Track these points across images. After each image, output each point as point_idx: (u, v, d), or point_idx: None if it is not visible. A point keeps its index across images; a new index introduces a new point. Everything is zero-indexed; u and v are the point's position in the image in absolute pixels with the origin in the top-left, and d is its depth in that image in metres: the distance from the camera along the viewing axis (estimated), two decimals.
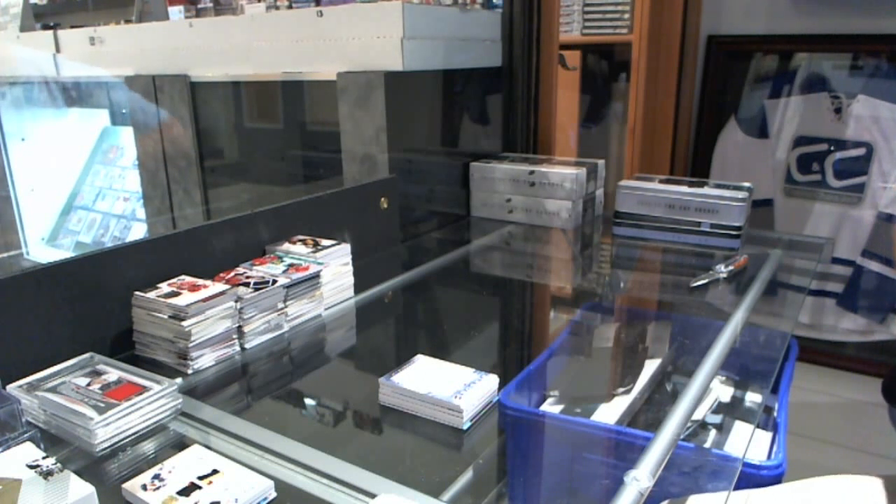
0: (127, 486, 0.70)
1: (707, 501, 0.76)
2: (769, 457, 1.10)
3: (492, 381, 0.92)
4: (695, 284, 1.32)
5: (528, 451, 0.88)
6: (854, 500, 0.52)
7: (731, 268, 1.36)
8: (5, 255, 2.89)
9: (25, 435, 0.79)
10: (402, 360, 0.97)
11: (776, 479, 0.92)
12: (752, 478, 0.93)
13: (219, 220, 1.22)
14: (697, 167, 2.20)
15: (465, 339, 1.21)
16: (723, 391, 1.13)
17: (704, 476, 0.77)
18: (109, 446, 0.82)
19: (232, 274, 1.15)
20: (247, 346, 1.08)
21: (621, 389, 1.02)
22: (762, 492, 0.81)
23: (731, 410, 1.09)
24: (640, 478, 0.61)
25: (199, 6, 2.19)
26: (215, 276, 1.13)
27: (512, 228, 1.80)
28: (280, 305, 1.12)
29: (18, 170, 2.85)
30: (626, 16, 2.54)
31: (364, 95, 1.59)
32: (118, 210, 2.86)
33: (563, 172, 1.73)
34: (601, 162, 1.89)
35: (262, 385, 1.03)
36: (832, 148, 1.94)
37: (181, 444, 0.83)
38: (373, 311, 1.32)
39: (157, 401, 0.87)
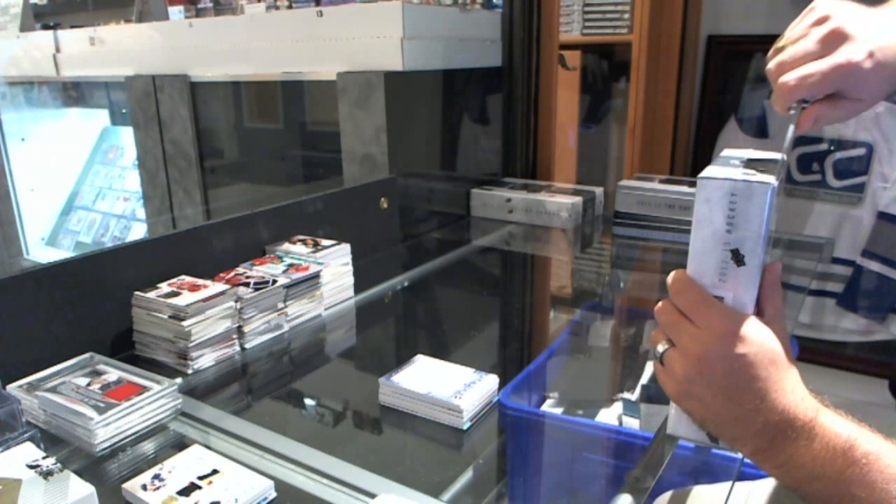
0: (127, 486, 0.70)
1: (710, 492, 0.76)
2: None
3: (492, 381, 0.92)
4: None
5: (528, 451, 0.88)
6: None
7: None
8: (5, 254, 2.89)
9: (25, 435, 0.79)
10: (402, 360, 0.97)
11: None
12: (752, 477, 0.93)
13: (219, 220, 1.22)
14: (697, 167, 2.20)
15: (465, 339, 1.21)
16: None
17: (704, 476, 0.77)
18: (109, 446, 0.82)
19: (232, 274, 1.15)
20: (247, 346, 1.08)
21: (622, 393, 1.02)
22: (765, 482, 0.81)
23: None
24: (640, 478, 0.61)
25: (199, 6, 2.19)
26: (215, 276, 1.13)
27: (512, 228, 1.80)
28: (280, 305, 1.12)
29: (18, 170, 2.85)
30: (626, 16, 2.54)
31: (364, 95, 1.59)
32: (118, 210, 2.86)
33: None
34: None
35: (262, 385, 1.03)
36: (832, 148, 1.94)
37: (181, 444, 0.83)
38: (373, 311, 1.32)
39: (157, 401, 0.87)
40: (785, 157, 0.59)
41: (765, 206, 0.51)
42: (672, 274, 0.57)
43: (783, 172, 0.57)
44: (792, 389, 0.53)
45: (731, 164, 0.56)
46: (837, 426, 0.51)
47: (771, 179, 0.51)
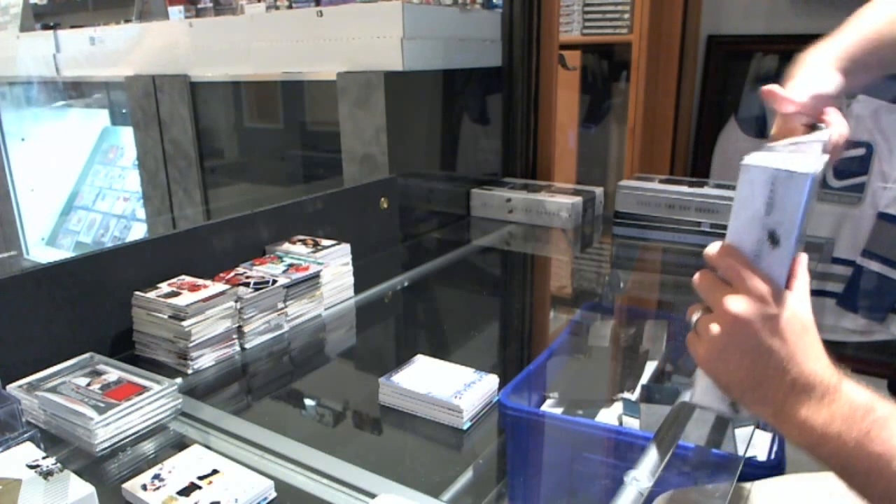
0: (127, 486, 0.70)
1: (710, 492, 0.76)
2: (769, 456, 1.10)
3: (492, 381, 0.92)
4: None
5: (528, 451, 0.88)
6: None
7: None
8: (5, 254, 2.89)
9: (25, 435, 0.79)
10: (402, 360, 0.97)
11: None
12: (753, 478, 0.93)
13: (219, 220, 1.22)
14: (697, 167, 2.20)
15: (465, 339, 1.21)
16: None
17: (704, 476, 0.77)
18: (109, 446, 0.82)
19: (232, 274, 1.15)
20: (247, 346, 1.08)
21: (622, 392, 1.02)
22: (767, 482, 0.82)
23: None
24: (640, 478, 0.61)
25: (199, 6, 2.18)
26: (215, 276, 1.13)
27: (512, 228, 1.80)
28: (280, 305, 1.12)
29: (18, 170, 2.85)
30: (626, 16, 2.54)
31: (364, 95, 1.59)
32: (118, 210, 2.86)
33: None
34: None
35: (262, 385, 1.03)
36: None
37: (181, 444, 0.83)
38: (373, 311, 1.32)
39: (157, 401, 0.87)
40: (829, 136, 0.62)
41: (804, 193, 0.54)
42: (713, 244, 0.60)
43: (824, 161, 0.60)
44: (818, 357, 0.57)
45: (775, 151, 0.60)
46: (858, 390, 0.55)
47: (811, 168, 0.54)
